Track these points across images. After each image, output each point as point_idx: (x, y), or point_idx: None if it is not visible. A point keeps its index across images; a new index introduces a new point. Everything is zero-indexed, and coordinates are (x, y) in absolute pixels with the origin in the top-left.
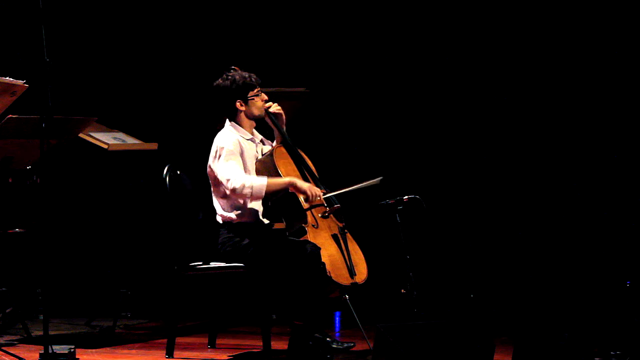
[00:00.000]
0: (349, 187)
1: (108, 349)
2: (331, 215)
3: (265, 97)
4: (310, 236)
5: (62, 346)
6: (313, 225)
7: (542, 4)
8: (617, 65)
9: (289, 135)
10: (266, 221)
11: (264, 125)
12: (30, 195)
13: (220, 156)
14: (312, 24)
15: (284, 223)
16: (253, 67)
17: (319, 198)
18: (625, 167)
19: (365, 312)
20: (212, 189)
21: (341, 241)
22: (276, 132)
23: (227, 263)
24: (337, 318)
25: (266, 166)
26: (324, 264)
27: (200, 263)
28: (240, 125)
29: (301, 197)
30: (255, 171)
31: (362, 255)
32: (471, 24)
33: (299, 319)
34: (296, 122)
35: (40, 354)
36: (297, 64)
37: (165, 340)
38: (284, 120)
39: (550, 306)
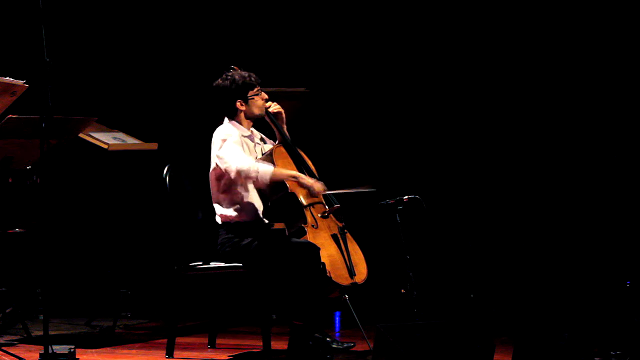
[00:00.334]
0: (345, 189)
1: (108, 349)
2: (331, 215)
3: (266, 97)
4: (310, 236)
5: (62, 346)
6: (313, 225)
7: (542, 4)
8: (617, 65)
9: (289, 135)
10: (266, 221)
11: (264, 125)
12: (30, 195)
13: (225, 142)
14: (312, 24)
15: (284, 223)
16: (253, 67)
17: (321, 194)
18: (625, 167)
19: (365, 312)
20: (212, 188)
21: (341, 241)
22: (276, 132)
23: (226, 263)
24: (337, 318)
25: None
26: (323, 264)
27: (200, 263)
28: (239, 124)
29: (301, 197)
30: None
31: (362, 255)
32: (471, 24)
33: (299, 319)
34: (296, 122)
35: (40, 354)
36: (297, 64)
37: (165, 340)
38: (284, 120)
39: (550, 306)
